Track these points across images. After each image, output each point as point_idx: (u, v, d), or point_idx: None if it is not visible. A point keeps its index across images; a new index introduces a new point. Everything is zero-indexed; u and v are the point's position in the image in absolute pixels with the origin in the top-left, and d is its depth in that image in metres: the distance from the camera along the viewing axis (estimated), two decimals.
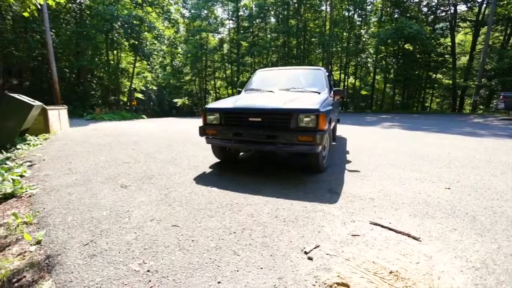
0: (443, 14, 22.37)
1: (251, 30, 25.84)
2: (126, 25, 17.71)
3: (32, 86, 21.59)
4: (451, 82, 21.35)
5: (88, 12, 19.27)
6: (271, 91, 3.75)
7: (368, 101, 25.11)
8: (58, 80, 14.70)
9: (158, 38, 21.77)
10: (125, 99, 23.22)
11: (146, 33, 19.87)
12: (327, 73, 3.82)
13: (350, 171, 3.50)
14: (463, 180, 3.09)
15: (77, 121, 12.54)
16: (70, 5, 18.19)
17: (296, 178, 3.20)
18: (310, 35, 24.08)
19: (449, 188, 2.80)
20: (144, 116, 22.97)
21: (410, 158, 4.23)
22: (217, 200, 2.51)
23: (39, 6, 5.75)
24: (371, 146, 5.27)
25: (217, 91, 32.54)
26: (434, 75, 22.89)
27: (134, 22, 17.97)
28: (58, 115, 8.68)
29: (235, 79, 27.53)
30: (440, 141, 5.86)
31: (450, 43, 22.17)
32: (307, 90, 3.45)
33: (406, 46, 21.09)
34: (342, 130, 7.93)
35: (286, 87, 3.80)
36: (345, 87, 25.79)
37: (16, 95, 5.92)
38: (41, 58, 19.09)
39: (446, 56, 22.21)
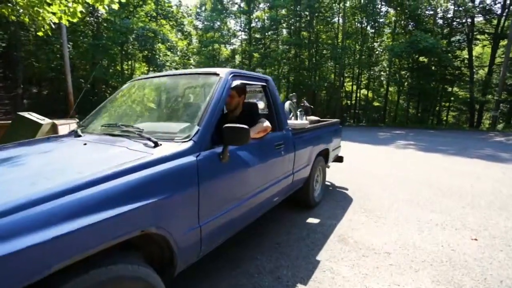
0: (460, 26, 21.84)
1: (263, 41, 26.00)
2: (140, 38, 18.12)
3: (50, 95, 22.35)
4: (468, 95, 20.66)
5: (105, 25, 19.87)
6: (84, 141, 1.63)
7: (381, 112, 24.57)
8: (74, 90, 15.12)
9: (171, 50, 22.18)
10: None
11: (159, 44, 20.28)
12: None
13: (363, 209, 3.24)
14: (491, 227, 2.78)
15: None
16: (88, 18, 18.79)
17: (300, 221, 2.97)
18: (322, 47, 23.95)
19: (476, 240, 2.50)
20: None
21: (428, 191, 3.92)
22: None
23: (53, 26, 5.82)
24: (385, 173, 4.97)
25: None
26: (450, 89, 22.21)
27: (148, 34, 18.37)
28: (68, 129, 8.77)
29: None
30: (460, 167, 5.49)
31: (467, 56, 21.55)
32: (156, 132, 1.61)
33: (421, 58, 20.63)
34: (354, 150, 7.63)
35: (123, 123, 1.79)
36: (357, 98, 25.40)
37: (26, 114, 5.98)
38: (59, 68, 19.73)
39: (463, 69, 21.56)
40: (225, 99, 1.73)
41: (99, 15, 19.25)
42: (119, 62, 20.66)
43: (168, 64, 22.73)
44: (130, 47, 19.32)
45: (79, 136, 1.78)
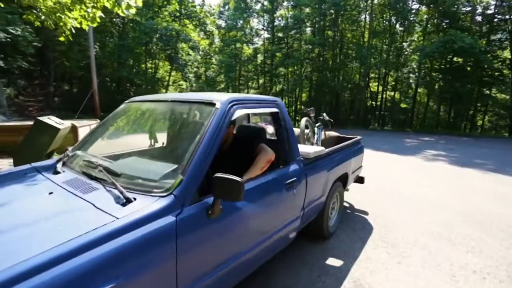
0: (502, 23, 20.06)
1: (286, 40, 25.49)
2: (163, 38, 18.39)
3: (80, 93, 23.37)
4: (509, 99, 18.97)
5: (131, 25, 20.38)
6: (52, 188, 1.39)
7: (408, 114, 23.21)
8: (101, 89, 15.79)
9: (193, 49, 22.37)
10: None
11: (182, 44, 20.50)
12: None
13: (385, 242, 2.87)
14: None
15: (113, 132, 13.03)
16: (115, 19, 19.35)
17: (305, 260, 2.66)
18: (347, 47, 23.05)
19: None
20: None
21: (464, 222, 3.44)
22: None
23: (73, 31, 5.88)
24: (411, 193, 4.50)
25: None
26: (488, 91, 20.52)
27: (171, 34, 18.60)
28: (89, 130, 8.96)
29: (268, 89, 27.32)
30: (503, 188, 4.87)
31: (509, 56, 19.77)
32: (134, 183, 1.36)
33: (456, 59, 19.19)
34: (377, 161, 7.11)
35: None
36: (383, 99, 24.23)
37: (45, 118, 6.10)
38: (87, 67, 20.56)
39: (504, 70, 19.81)
40: (222, 138, 1.46)
41: (125, 16, 19.78)
42: (143, 61, 21.16)
43: (190, 63, 23.00)
44: (154, 47, 19.67)
45: (58, 173, 1.59)
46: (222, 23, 29.65)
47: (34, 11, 5.50)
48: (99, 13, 5.57)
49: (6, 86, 18.45)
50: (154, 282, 1.06)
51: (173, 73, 23.43)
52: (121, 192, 1.19)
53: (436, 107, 22.86)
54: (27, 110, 18.83)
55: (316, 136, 3.96)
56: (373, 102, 25.02)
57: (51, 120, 6.21)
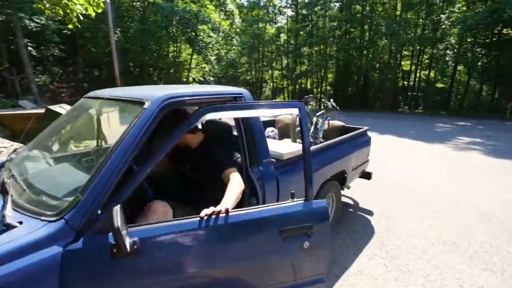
0: None
1: (310, 18, 24.01)
2: (182, 20, 18.14)
3: (107, 78, 24.23)
4: None
5: (151, 8, 20.30)
6: None
7: (445, 95, 21.12)
8: (125, 74, 16.33)
9: (214, 31, 21.89)
10: None
11: (201, 26, 20.11)
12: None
13: (384, 251, 2.51)
14: None
15: None
16: (135, 3, 19.37)
17: None
18: (377, 22, 21.19)
19: None
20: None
21: (488, 230, 2.93)
22: None
23: (81, 18, 5.85)
24: (429, 189, 3.98)
25: (274, 80, 31.83)
26: None
27: (188, 16, 18.28)
28: (107, 118, 9.17)
29: (292, 70, 26.36)
30: None
31: None
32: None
33: (506, 31, 16.82)
34: (398, 150, 6.48)
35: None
36: (416, 79, 22.27)
37: (56, 107, 6.25)
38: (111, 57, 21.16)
39: None
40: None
41: None
42: (165, 45, 21.17)
43: (210, 46, 22.61)
44: (173, 30, 19.53)
45: None
46: (244, 1, 28.63)
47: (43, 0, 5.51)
48: None
49: (42, 73, 19.52)
50: None
51: (195, 56, 23.29)
52: (3, 216, 0.99)
53: (478, 86, 20.56)
54: (60, 96, 19.93)
55: (319, 127, 3.57)
56: (405, 82, 23.11)
57: (62, 108, 6.36)
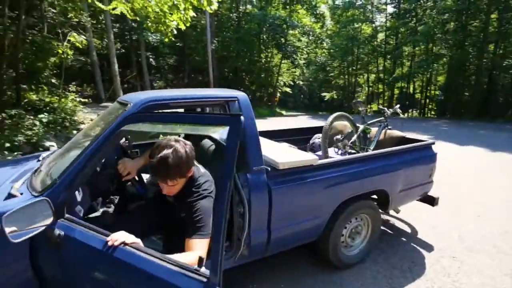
0: None
1: (415, 13, 20.98)
2: (271, 27, 18.85)
3: (207, 82, 27.51)
4: None
5: (246, 17, 21.90)
6: None
7: None
8: (220, 79, 18.69)
9: (304, 35, 21.83)
10: (277, 96, 25.14)
11: (290, 30, 20.38)
12: None
13: None
14: None
15: None
16: (231, 14, 21.29)
17: None
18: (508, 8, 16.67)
19: None
20: (283, 112, 24.16)
21: None
22: None
23: (175, 32, 6.86)
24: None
25: (370, 85, 29.31)
26: None
27: (278, 23, 18.82)
28: None
29: (390, 73, 23.70)
30: None
31: None
32: None
33: None
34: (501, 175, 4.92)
35: None
36: None
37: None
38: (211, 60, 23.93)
39: None
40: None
41: (240, 10, 21.40)
42: (257, 51, 22.44)
43: (300, 50, 22.62)
44: (264, 36, 20.47)
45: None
46: (338, 2, 27.46)
47: (147, 21, 6.65)
48: (191, 13, 6.29)
49: (159, 79, 23.75)
50: None
51: (285, 60, 23.80)
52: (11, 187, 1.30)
53: None
54: None
55: (371, 136, 3.09)
56: None
57: None
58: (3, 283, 1.19)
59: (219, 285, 0.82)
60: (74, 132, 6.53)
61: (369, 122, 3.17)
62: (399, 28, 21.64)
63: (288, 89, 26.96)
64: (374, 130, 3.16)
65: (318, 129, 3.51)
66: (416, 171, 2.52)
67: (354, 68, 27.80)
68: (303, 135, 3.61)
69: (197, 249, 1.17)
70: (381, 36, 25.09)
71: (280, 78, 24.32)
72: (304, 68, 27.82)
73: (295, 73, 26.48)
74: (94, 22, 11.72)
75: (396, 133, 3.07)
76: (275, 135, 3.44)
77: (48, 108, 6.87)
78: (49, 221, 1.13)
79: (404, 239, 2.79)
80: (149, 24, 6.71)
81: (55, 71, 8.80)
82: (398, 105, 3.44)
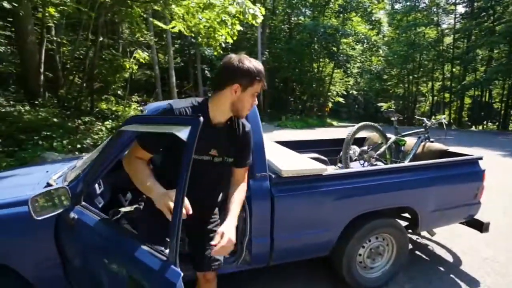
0: None
1: (493, 11, 18.46)
2: (322, 36, 18.59)
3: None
4: None
5: (297, 28, 22.01)
6: None
7: None
8: (271, 88, 19.09)
9: (358, 42, 20.97)
10: (328, 106, 24.54)
11: (343, 39, 19.79)
12: None
13: None
14: None
15: (266, 127, 14.90)
16: (283, 26, 21.63)
17: None
18: None
19: None
20: (333, 123, 23.28)
21: None
22: None
23: (223, 45, 7.30)
24: None
25: (434, 94, 26.53)
26: None
27: (330, 32, 18.46)
28: None
29: (458, 80, 21.13)
30: None
31: None
32: None
33: None
34: None
35: None
36: None
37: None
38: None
39: None
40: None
41: (292, 21, 21.63)
42: (308, 61, 22.29)
43: (353, 59, 21.75)
44: (316, 46, 20.26)
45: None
46: (398, 6, 25.77)
47: (199, 37, 7.19)
48: (237, 27, 6.68)
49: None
50: None
51: (338, 69, 23.11)
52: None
53: None
54: None
55: (405, 149, 2.83)
56: None
57: None
58: (35, 260, 1.44)
59: (175, 264, 0.94)
60: None
61: (404, 134, 2.90)
62: (472, 29, 19.26)
63: (341, 99, 26.00)
64: (412, 142, 2.88)
65: (354, 141, 3.35)
66: (455, 190, 2.22)
67: (415, 76, 25.52)
68: (336, 146, 3.47)
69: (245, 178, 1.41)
70: (448, 39, 22.66)
71: (333, 87, 23.63)
72: (358, 77, 26.57)
73: (348, 83, 25.46)
74: (157, 40, 13.10)
75: (437, 146, 2.74)
76: (306, 145, 3.40)
77: (113, 115, 7.92)
78: (67, 205, 1.35)
79: (442, 269, 2.44)
80: (200, 39, 7.27)
81: (123, 84, 10.12)
82: (444, 116, 3.09)
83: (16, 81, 7.80)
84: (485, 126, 21.30)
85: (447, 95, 24.14)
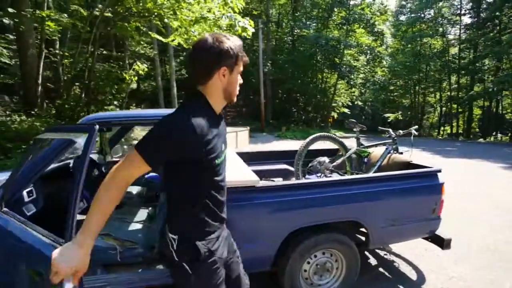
0: None
1: (496, 21, 18.24)
2: (323, 48, 18.68)
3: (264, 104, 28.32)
4: None
5: (300, 40, 22.20)
6: None
7: None
8: (273, 99, 19.03)
9: (361, 54, 20.96)
10: (330, 117, 24.40)
11: (346, 50, 19.81)
12: None
13: None
14: None
15: (266, 138, 14.88)
16: (285, 38, 21.87)
17: None
18: None
19: None
20: (336, 133, 23.01)
21: None
22: None
23: None
24: None
25: (442, 104, 26.03)
26: None
27: (332, 43, 18.54)
28: (235, 137, 10.71)
29: (466, 91, 20.73)
30: None
31: None
32: None
33: None
34: None
35: None
36: None
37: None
38: (264, 82, 24.72)
39: None
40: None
41: (295, 33, 21.85)
42: (310, 72, 22.38)
43: (355, 70, 21.69)
44: (318, 57, 20.35)
45: None
46: (403, 18, 25.78)
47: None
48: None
49: None
50: None
51: (341, 80, 23.08)
52: None
53: None
54: (225, 117, 25.30)
55: (370, 160, 2.75)
56: None
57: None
58: None
59: None
60: (125, 147, 7.47)
61: (368, 145, 2.82)
62: (477, 39, 19.02)
63: (346, 110, 25.77)
64: (378, 153, 2.80)
65: (326, 152, 3.28)
66: (410, 204, 2.11)
67: (422, 86, 25.16)
68: (308, 157, 3.40)
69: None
70: (453, 50, 22.39)
71: (338, 98, 23.50)
72: (362, 88, 26.39)
73: (353, 94, 25.30)
74: (157, 52, 13.41)
75: (401, 158, 2.64)
76: (275, 157, 3.34)
77: None
78: None
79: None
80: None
81: (122, 95, 10.35)
82: (415, 126, 2.99)
83: (17, 92, 8.09)
84: (496, 137, 20.70)
85: (454, 105, 23.67)
